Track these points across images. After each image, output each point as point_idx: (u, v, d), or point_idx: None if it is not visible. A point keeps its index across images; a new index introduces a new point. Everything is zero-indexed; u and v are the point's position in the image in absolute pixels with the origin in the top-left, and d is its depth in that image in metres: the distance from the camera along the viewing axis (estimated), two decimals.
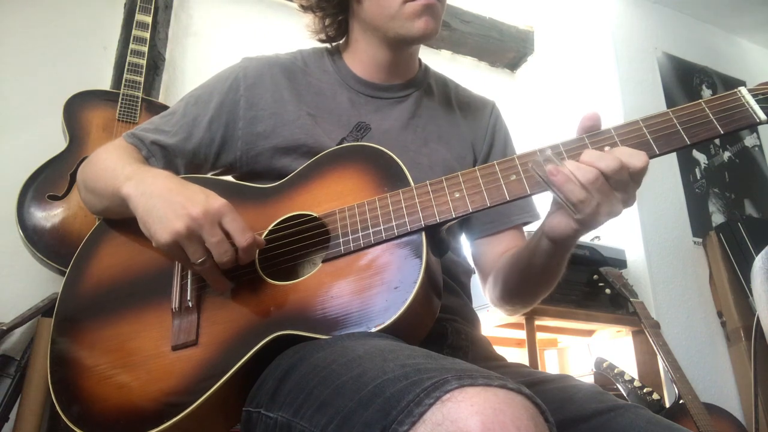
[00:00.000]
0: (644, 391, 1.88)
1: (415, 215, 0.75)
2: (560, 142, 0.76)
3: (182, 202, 0.75)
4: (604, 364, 2.00)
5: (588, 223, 0.73)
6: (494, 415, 0.44)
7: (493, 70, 3.22)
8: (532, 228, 1.11)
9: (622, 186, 0.70)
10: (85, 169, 0.96)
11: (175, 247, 0.74)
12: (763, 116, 0.71)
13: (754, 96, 0.72)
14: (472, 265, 1.08)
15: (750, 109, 0.71)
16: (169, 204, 0.76)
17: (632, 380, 1.91)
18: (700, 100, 0.73)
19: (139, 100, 2.03)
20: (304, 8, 1.05)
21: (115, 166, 0.88)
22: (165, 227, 0.74)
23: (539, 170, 0.72)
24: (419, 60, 1.10)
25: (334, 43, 1.08)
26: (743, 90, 0.73)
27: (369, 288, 0.72)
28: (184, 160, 0.97)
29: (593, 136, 0.75)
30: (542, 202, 1.05)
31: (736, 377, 2.39)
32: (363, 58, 1.03)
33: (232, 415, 0.75)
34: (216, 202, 0.76)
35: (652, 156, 0.72)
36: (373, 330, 0.68)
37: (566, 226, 0.75)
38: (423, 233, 0.74)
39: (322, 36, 1.06)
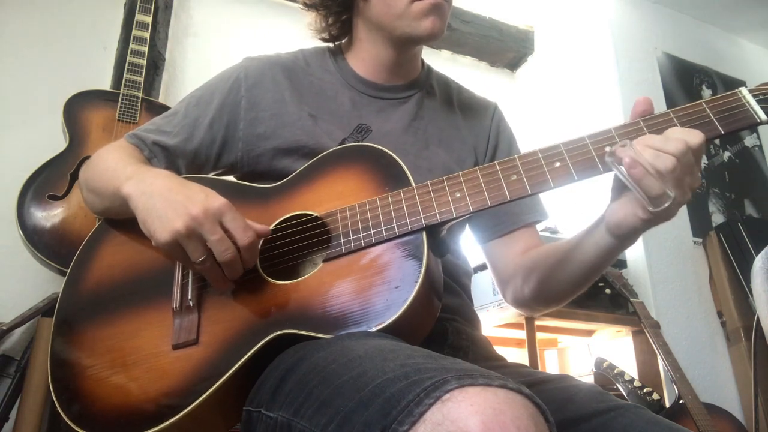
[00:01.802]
0: (644, 391, 1.88)
1: (416, 215, 0.75)
2: (612, 127, 0.73)
3: (182, 201, 0.75)
4: (604, 364, 1.99)
5: (664, 215, 0.69)
6: (494, 415, 0.44)
7: (493, 70, 3.22)
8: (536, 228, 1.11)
9: (689, 169, 0.68)
10: (86, 170, 0.96)
11: (175, 246, 0.74)
12: (763, 116, 0.70)
13: (754, 96, 0.72)
14: (471, 267, 1.07)
15: (750, 110, 0.71)
16: (168, 203, 0.76)
17: (632, 380, 1.91)
18: (700, 101, 0.73)
19: (139, 100, 2.03)
20: (308, 6, 1.04)
21: (116, 166, 0.88)
22: (165, 226, 0.74)
23: (613, 161, 0.68)
24: (422, 61, 1.09)
25: (336, 43, 1.08)
26: (744, 90, 0.72)
27: (370, 287, 0.72)
28: (185, 161, 0.97)
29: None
30: (546, 201, 1.05)
31: (736, 377, 2.39)
32: (366, 57, 1.02)
33: (232, 415, 0.75)
34: (216, 200, 0.76)
35: None
36: (374, 329, 0.68)
37: (636, 220, 0.71)
38: (424, 233, 0.74)
39: (325, 35, 1.05)
